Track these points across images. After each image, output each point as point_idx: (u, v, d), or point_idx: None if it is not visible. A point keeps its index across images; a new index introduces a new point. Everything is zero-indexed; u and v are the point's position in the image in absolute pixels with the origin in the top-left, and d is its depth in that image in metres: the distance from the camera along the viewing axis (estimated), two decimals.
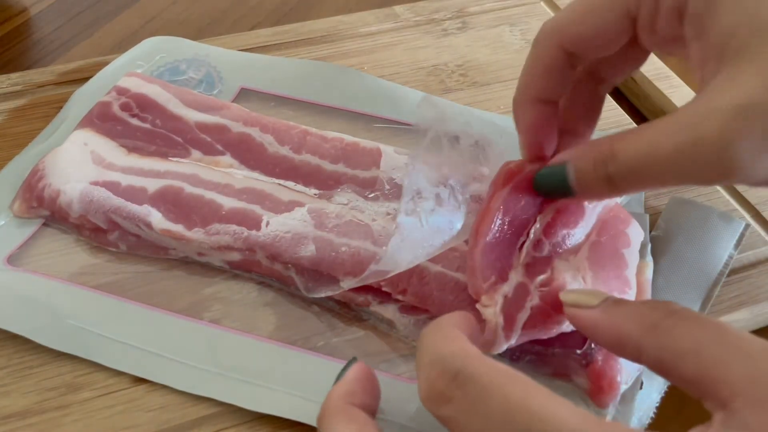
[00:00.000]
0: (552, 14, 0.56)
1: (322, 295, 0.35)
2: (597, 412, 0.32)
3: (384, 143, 0.42)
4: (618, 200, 0.38)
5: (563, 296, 0.29)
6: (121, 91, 0.44)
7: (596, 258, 0.33)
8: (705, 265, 0.38)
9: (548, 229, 0.33)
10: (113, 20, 0.60)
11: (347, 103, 0.47)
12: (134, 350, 0.34)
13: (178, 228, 0.37)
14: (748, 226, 0.40)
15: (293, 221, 0.37)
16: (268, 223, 0.37)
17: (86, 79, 0.49)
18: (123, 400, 0.33)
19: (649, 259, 0.37)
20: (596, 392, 0.32)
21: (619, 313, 0.26)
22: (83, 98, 0.46)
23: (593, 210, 0.34)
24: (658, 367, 0.24)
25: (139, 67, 0.48)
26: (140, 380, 0.33)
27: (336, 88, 0.48)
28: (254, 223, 0.37)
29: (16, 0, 0.61)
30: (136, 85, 0.45)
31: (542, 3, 0.58)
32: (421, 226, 0.33)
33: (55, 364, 0.34)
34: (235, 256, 0.37)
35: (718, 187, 0.43)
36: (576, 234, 0.34)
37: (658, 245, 0.38)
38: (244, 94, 0.48)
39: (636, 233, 0.35)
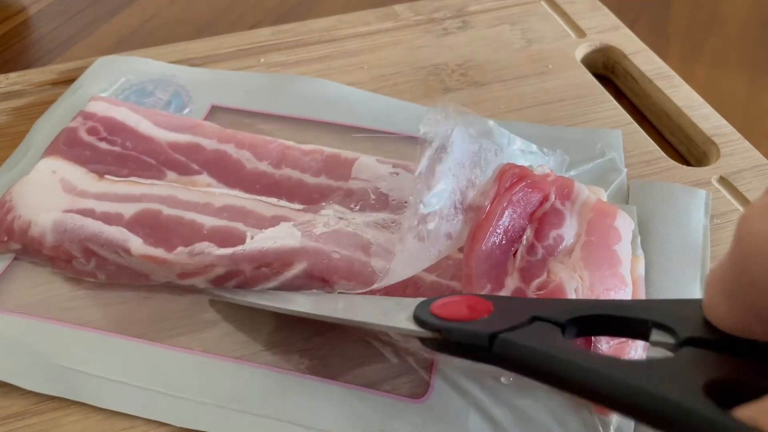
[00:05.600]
0: (552, 14, 0.56)
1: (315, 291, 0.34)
2: (601, 420, 0.32)
3: (364, 153, 0.41)
4: (602, 196, 0.38)
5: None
6: (88, 116, 0.43)
7: (590, 258, 0.33)
8: (688, 242, 0.38)
9: (539, 233, 0.33)
10: (112, 20, 0.60)
11: (323, 114, 0.46)
12: (123, 386, 0.33)
13: (158, 252, 0.36)
14: (710, 194, 0.41)
15: (280, 233, 0.36)
16: (253, 238, 0.36)
17: None
18: None
19: (640, 252, 0.37)
20: None
21: None
22: (45, 127, 0.44)
23: (572, 209, 0.34)
24: None
25: (104, 91, 0.47)
26: None
27: (310, 99, 0.47)
28: (238, 241, 0.36)
29: None
30: (102, 108, 0.43)
31: (543, 2, 0.57)
32: (422, 241, 0.32)
33: None
34: (220, 271, 0.35)
35: (719, 187, 0.43)
36: (565, 234, 0.34)
37: (638, 233, 0.38)
38: (216, 112, 0.46)
39: (625, 224, 0.35)
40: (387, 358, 0.34)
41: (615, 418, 0.32)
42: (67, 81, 0.49)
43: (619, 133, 0.45)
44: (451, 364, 0.33)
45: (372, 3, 0.60)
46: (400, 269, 0.32)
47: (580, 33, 0.54)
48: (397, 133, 0.45)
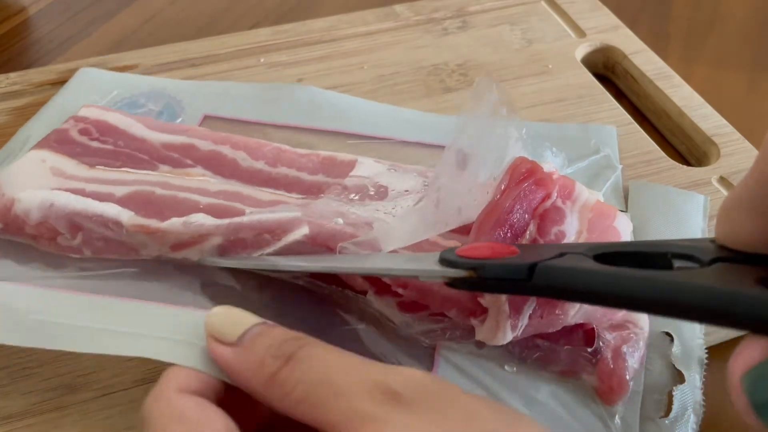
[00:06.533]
0: (552, 14, 0.56)
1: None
2: (606, 410, 0.32)
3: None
4: (600, 197, 0.38)
5: (208, 317, 0.27)
6: (79, 119, 0.42)
7: None
8: None
9: (541, 229, 0.34)
10: (112, 20, 0.60)
11: (317, 121, 0.46)
12: (107, 333, 0.31)
13: (151, 221, 0.35)
14: (708, 198, 0.41)
15: (279, 209, 0.35)
16: (251, 212, 0.35)
17: None
18: (122, 400, 0.33)
19: None
20: (606, 391, 0.32)
21: (248, 357, 0.26)
22: (33, 133, 0.43)
23: (572, 208, 0.34)
24: (288, 415, 0.24)
25: (95, 102, 0.46)
26: (140, 380, 0.33)
27: (303, 107, 0.47)
28: (236, 215, 0.35)
29: None
30: (95, 113, 0.42)
31: (543, 2, 0.57)
32: (436, 207, 0.32)
33: (53, 365, 0.34)
34: (217, 240, 0.35)
35: (719, 187, 0.43)
36: (567, 231, 0.34)
37: (638, 233, 0.39)
38: (209, 122, 0.46)
39: (624, 226, 0.35)
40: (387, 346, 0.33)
41: (620, 408, 0.32)
42: (66, 81, 0.49)
43: (612, 129, 0.45)
44: (452, 350, 0.33)
45: (372, 3, 0.60)
46: (407, 232, 0.32)
47: (580, 33, 0.54)
48: (392, 138, 0.45)
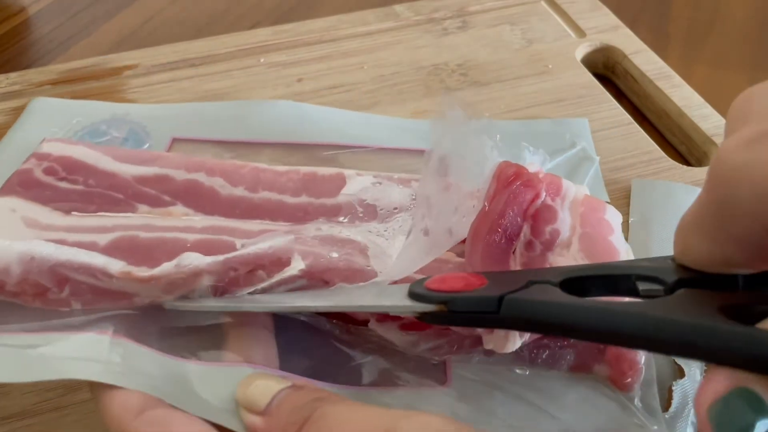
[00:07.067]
0: (552, 14, 0.56)
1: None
2: (625, 396, 0.32)
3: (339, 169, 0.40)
4: (586, 191, 0.38)
5: (238, 387, 0.28)
6: (42, 157, 0.38)
7: (589, 250, 0.33)
8: None
9: (534, 229, 0.33)
10: (112, 19, 0.60)
11: (289, 136, 0.45)
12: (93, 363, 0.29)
13: (142, 270, 0.32)
14: None
15: (272, 237, 0.34)
16: (243, 245, 0.33)
17: (84, 79, 0.48)
18: None
19: (627, 246, 0.37)
20: (618, 376, 0.32)
21: (274, 425, 0.26)
22: None
23: (562, 205, 0.34)
24: None
25: (55, 134, 0.44)
26: None
27: (274, 123, 0.46)
28: (228, 250, 0.33)
29: None
30: (57, 148, 0.39)
31: (543, 2, 0.57)
32: (426, 235, 0.32)
33: None
34: (210, 280, 0.32)
35: None
36: (561, 228, 0.34)
37: (640, 231, 0.39)
38: (178, 145, 0.44)
39: (615, 217, 0.35)
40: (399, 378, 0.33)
41: (637, 392, 0.32)
42: (66, 81, 0.49)
43: (585, 121, 0.46)
44: (463, 361, 0.33)
45: (372, 3, 0.60)
46: (404, 264, 0.32)
47: (580, 33, 0.54)
48: (368, 146, 0.44)
